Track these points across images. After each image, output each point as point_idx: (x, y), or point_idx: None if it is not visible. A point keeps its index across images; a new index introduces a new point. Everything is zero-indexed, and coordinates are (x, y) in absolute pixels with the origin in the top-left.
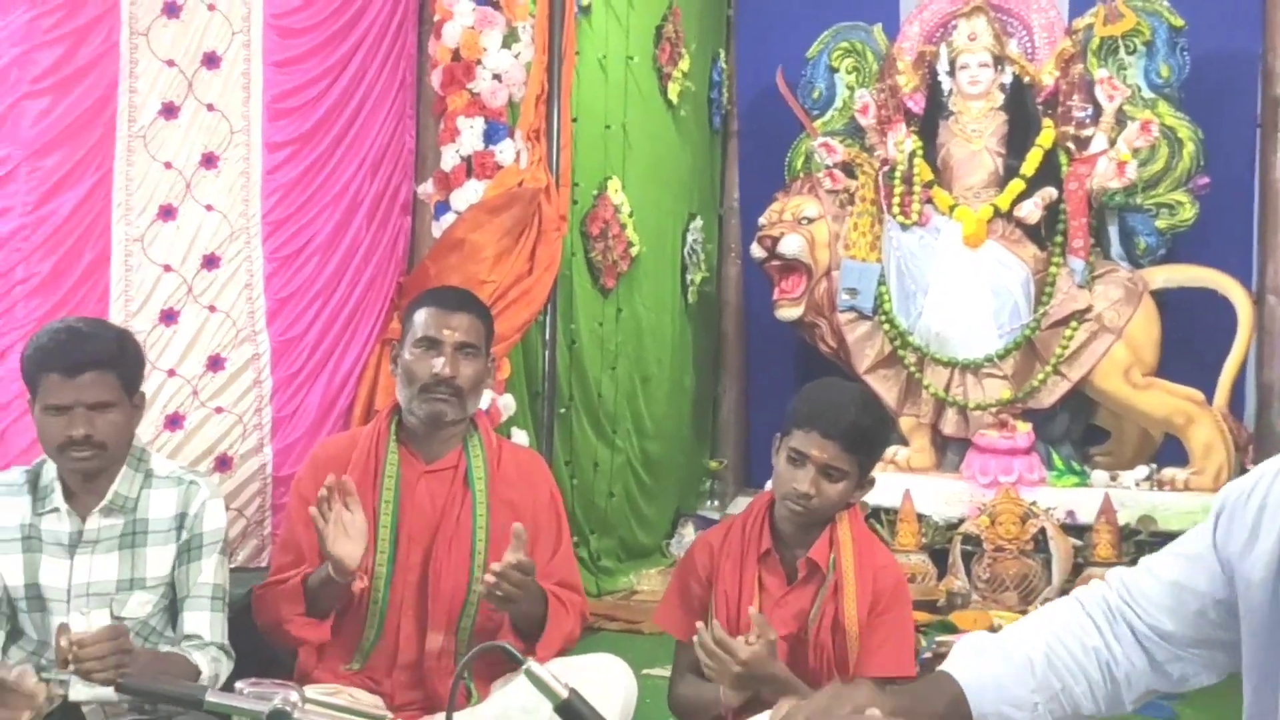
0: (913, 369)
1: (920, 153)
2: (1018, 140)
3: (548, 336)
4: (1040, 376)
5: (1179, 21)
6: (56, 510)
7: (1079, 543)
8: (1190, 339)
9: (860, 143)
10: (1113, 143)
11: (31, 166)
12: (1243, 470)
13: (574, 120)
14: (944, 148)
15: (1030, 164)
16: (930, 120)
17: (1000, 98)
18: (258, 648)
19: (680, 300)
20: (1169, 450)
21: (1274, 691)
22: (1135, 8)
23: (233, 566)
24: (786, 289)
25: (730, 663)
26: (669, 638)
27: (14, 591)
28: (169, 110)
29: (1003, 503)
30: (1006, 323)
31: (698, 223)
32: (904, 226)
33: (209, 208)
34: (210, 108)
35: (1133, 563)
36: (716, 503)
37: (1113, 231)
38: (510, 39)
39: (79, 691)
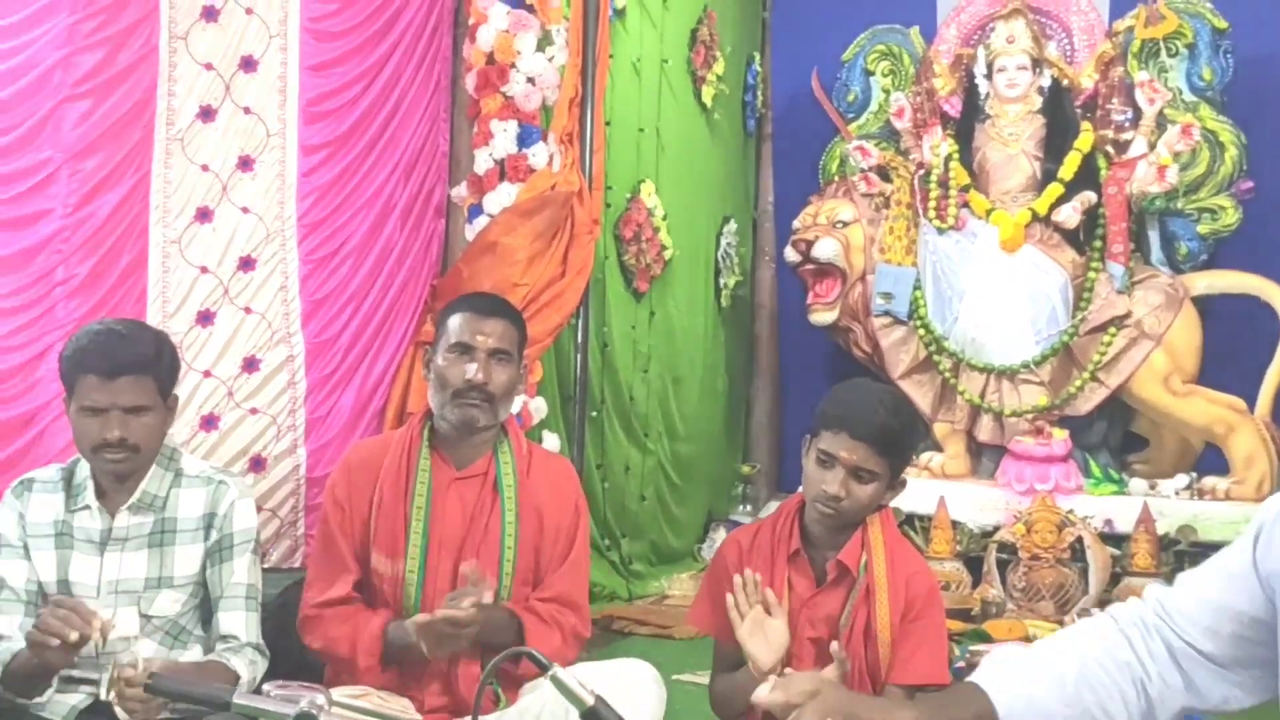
0: (948, 374)
1: (956, 156)
2: (1056, 144)
3: (580, 340)
4: (1078, 383)
5: (1222, 23)
6: (88, 507)
7: (1117, 552)
8: (1232, 346)
9: (896, 146)
10: (1153, 146)
11: (72, 169)
12: None
13: (607, 123)
14: (980, 151)
15: (1069, 168)
16: (967, 123)
17: (1038, 101)
18: (289, 647)
19: (713, 304)
20: (1210, 459)
21: None
22: (1177, 9)
23: (266, 567)
24: (820, 293)
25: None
26: (700, 643)
27: (46, 586)
28: (206, 113)
29: (1039, 510)
30: (1043, 328)
31: (731, 226)
32: (940, 231)
33: (245, 210)
34: (247, 111)
35: (1171, 575)
36: (749, 507)
37: (1153, 237)
38: (544, 42)
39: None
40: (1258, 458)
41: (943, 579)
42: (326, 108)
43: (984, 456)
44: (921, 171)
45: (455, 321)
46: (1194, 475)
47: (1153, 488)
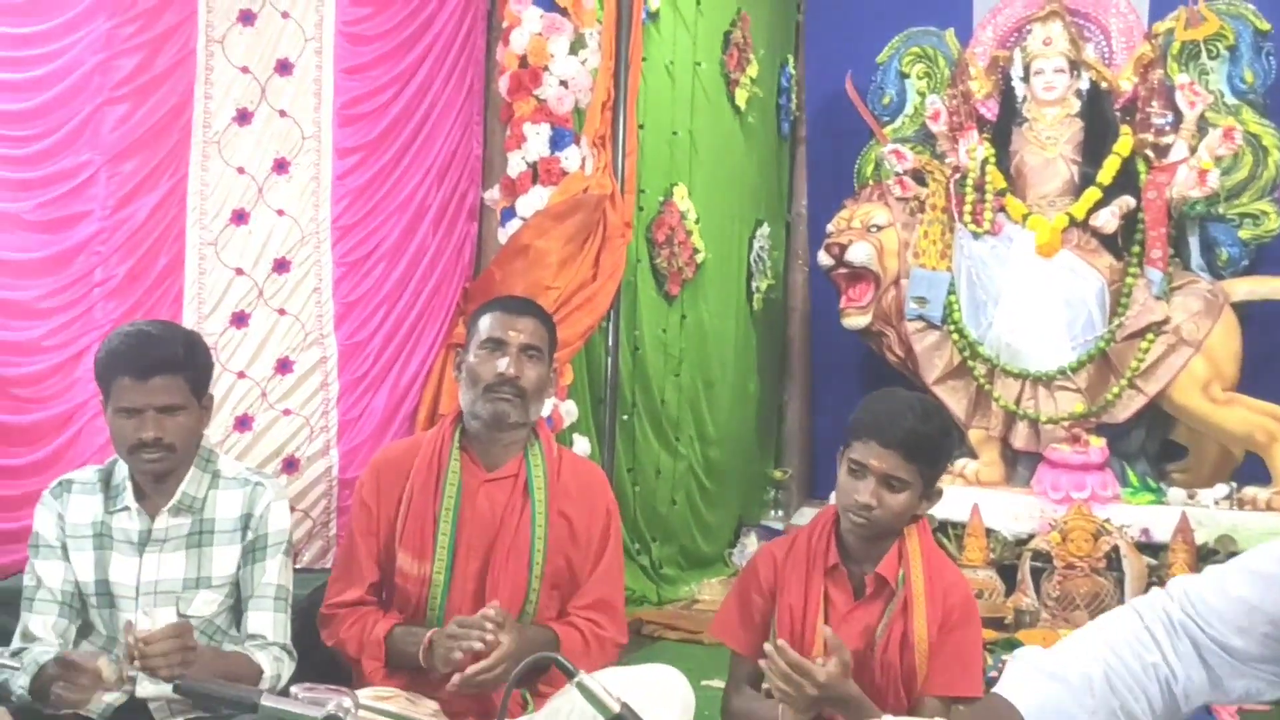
0: (982, 380)
1: (993, 160)
2: (1094, 147)
3: (611, 343)
4: (1115, 390)
5: (1265, 25)
6: (127, 509)
7: (1154, 562)
8: (1274, 353)
9: (931, 149)
10: (1193, 150)
11: (110, 171)
12: None
13: (640, 127)
14: (1017, 155)
15: (1107, 172)
16: (1003, 127)
17: (1076, 104)
18: (319, 648)
19: (745, 307)
20: (1250, 468)
21: None
22: (1219, 11)
23: (298, 567)
24: (854, 297)
25: (806, 686)
26: (729, 649)
27: (85, 587)
28: (243, 116)
29: (1074, 519)
30: (1080, 334)
31: (764, 229)
32: (975, 235)
33: (280, 212)
34: (282, 114)
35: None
36: (780, 513)
37: (1193, 242)
38: (577, 45)
39: (145, 688)
40: None
41: (976, 587)
42: (361, 111)
43: (1019, 464)
44: (957, 175)
45: (487, 319)
46: (1234, 485)
47: (1191, 497)
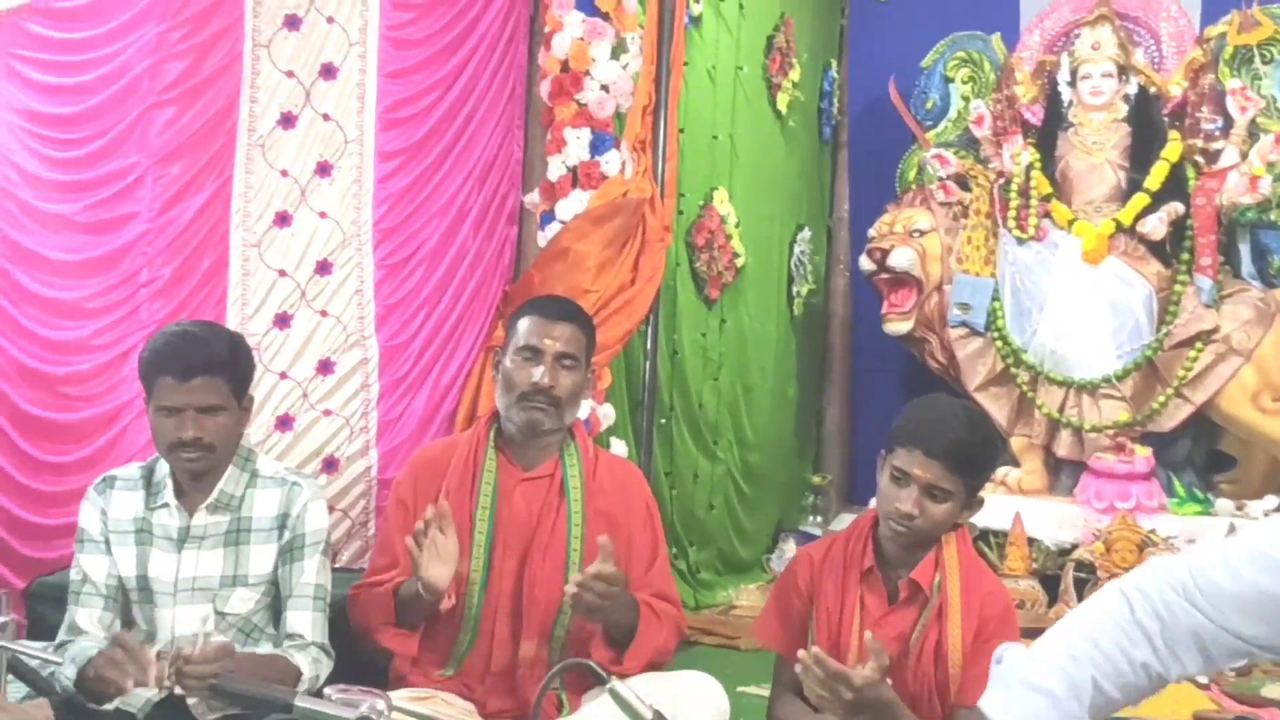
0: (1025, 388)
1: (1038, 165)
2: (1142, 153)
3: (649, 347)
4: (1161, 399)
5: None
6: (167, 506)
7: None
8: None
9: (975, 154)
10: (1244, 156)
11: (157, 174)
12: None
13: (681, 131)
14: (1063, 160)
15: (1155, 178)
16: (1049, 132)
17: (1124, 109)
18: (357, 648)
19: (786, 312)
20: None
21: None
22: (1273, 15)
23: (337, 567)
24: (896, 302)
25: (844, 691)
26: (766, 655)
27: (127, 582)
28: (287, 120)
29: (1119, 529)
30: (1126, 342)
31: (805, 234)
32: (1020, 241)
33: (323, 215)
34: (326, 117)
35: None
36: (819, 518)
37: (1243, 249)
38: (619, 50)
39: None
40: None
41: (1017, 597)
42: (403, 114)
43: (1062, 472)
44: (1001, 180)
45: (524, 324)
46: None
47: (1240, 508)
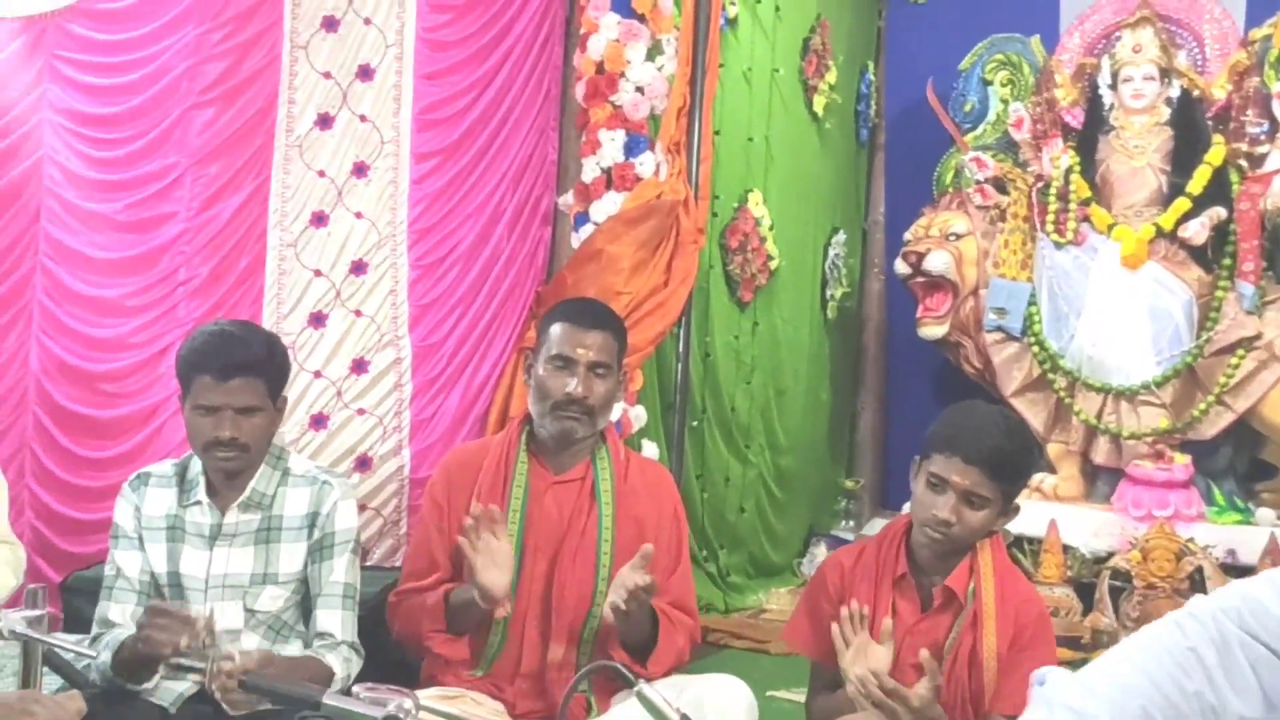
0: (1062, 394)
1: (1078, 169)
2: (1184, 157)
3: (682, 349)
4: (1201, 406)
5: None
6: (199, 503)
7: None
8: None
9: (1013, 158)
10: None
11: (196, 174)
12: None
13: (716, 133)
14: (1103, 164)
15: (1198, 182)
16: (1089, 135)
17: (1166, 112)
18: (386, 647)
19: (820, 315)
20: None
21: None
22: None
23: (368, 565)
24: (931, 306)
25: (902, 712)
26: (796, 659)
27: (159, 578)
28: (324, 121)
29: (1156, 538)
30: (1166, 348)
31: (840, 237)
32: (1058, 245)
33: (358, 215)
34: (363, 119)
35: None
36: (851, 523)
37: None
38: (654, 52)
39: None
40: None
41: (1052, 605)
42: (438, 116)
43: (1099, 479)
44: (1040, 184)
45: (556, 331)
46: None
47: None
